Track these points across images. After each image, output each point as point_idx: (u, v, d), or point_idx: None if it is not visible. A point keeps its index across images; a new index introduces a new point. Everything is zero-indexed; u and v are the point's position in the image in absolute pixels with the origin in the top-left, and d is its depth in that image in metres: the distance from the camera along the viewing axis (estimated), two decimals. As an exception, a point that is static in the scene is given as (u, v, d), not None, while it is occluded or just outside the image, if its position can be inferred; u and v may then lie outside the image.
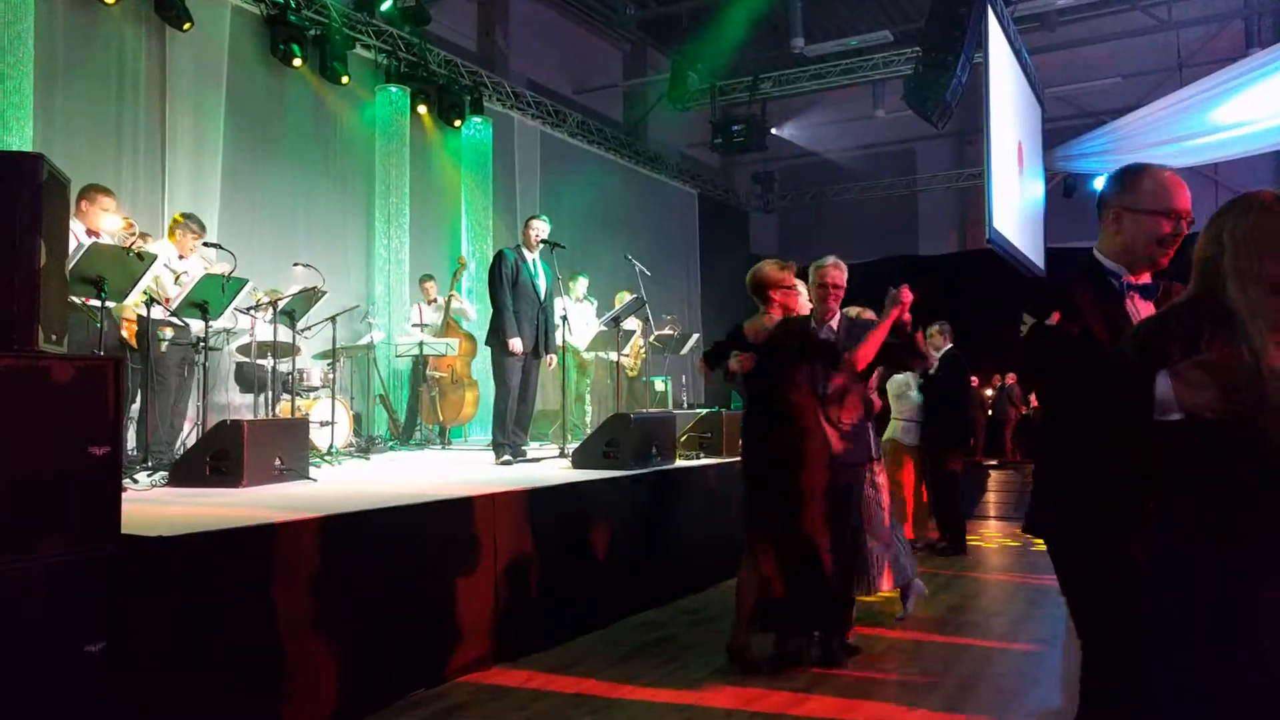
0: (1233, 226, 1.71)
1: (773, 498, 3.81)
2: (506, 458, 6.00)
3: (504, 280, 6.04)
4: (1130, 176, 2.12)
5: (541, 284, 6.23)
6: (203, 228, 5.96)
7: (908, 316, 3.81)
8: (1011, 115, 9.96)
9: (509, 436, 6.08)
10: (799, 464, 3.76)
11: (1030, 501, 2.21)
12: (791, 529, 3.74)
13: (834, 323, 4.02)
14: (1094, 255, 2.16)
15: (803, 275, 4.16)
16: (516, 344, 5.98)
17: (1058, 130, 12.67)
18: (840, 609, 3.94)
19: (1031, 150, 11.21)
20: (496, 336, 6.07)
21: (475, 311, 8.57)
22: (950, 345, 6.81)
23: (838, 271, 4.02)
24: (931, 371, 6.43)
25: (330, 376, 7.10)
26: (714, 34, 11.62)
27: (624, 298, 8.50)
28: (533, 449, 6.62)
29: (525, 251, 6.23)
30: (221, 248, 5.92)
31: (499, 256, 6.22)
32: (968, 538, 6.97)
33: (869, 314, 4.38)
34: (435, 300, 8.72)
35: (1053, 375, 2.08)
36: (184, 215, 5.97)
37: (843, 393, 3.94)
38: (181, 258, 5.76)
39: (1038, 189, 11.73)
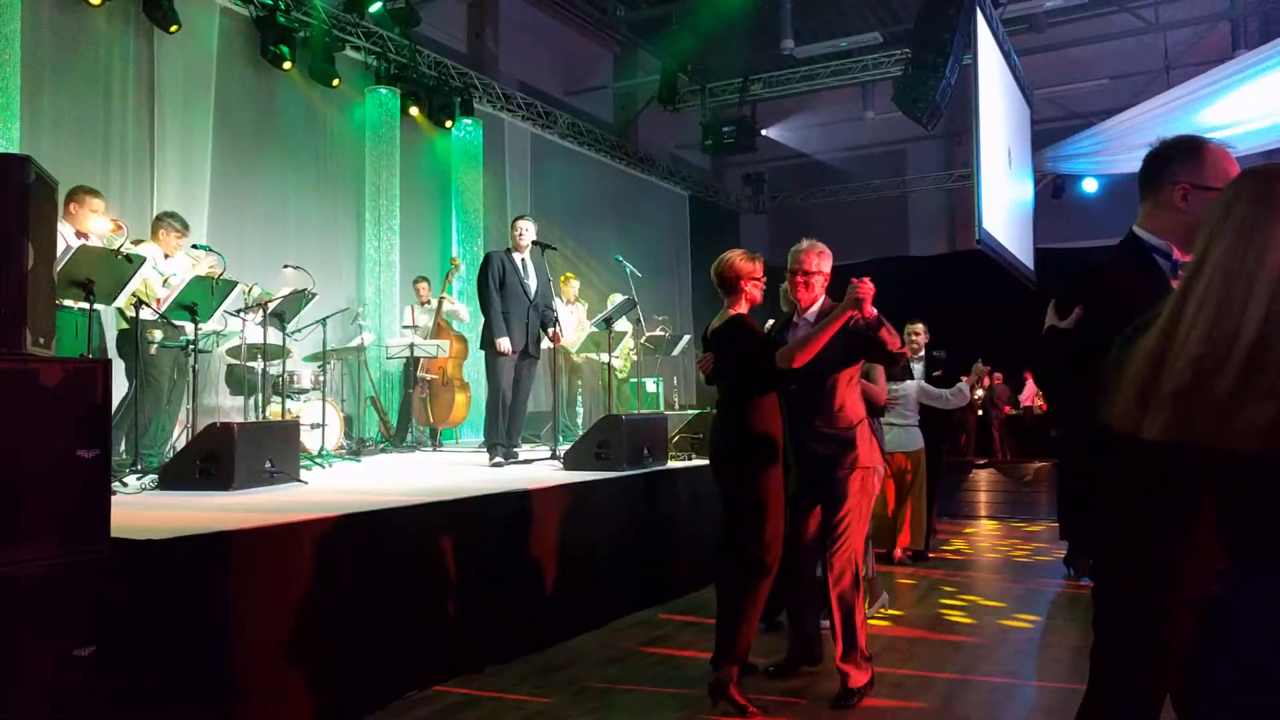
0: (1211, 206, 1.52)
1: (729, 506, 3.65)
2: (498, 459, 6.00)
3: (491, 283, 6.05)
4: (1196, 151, 1.99)
5: (532, 284, 6.24)
6: (185, 226, 5.89)
7: (871, 313, 3.23)
8: (1000, 116, 9.99)
9: (501, 438, 6.09)
10: (750, 476, 3.45)
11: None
12: (748, 538, 3.56)
13: (811, 313, 3.60)
14: (1136, 233, 2.06)
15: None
16: (504, 344, 5.99)
17: (1046, 131, 12.74)
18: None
19: (1020, 151, 11.26)
20: (487, 338, 6.09)
21: (468, 313, 8.55)
22: (928, 344, 6.71)
23: (811, 255, 3.58)
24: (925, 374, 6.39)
25: (321, 379, 7.07)
26: (704, 35, 11.63)
27: (615, 299, 8.51)
28: (524, 450, 6.61)
29: (514, 253, 6.24)
30: (211, 250, 5.90)
31: (486, 260, 6.24)
32: (956, 539, 6.98)
33: None
34: (428, 302, 8.71)
35: (1052, 381, 2.04)
36: (166, 214, 5.91)
37: (809, 399, 3.49)
38: (167, 257, 5.71)
39: (1027, 190, 11.78)
